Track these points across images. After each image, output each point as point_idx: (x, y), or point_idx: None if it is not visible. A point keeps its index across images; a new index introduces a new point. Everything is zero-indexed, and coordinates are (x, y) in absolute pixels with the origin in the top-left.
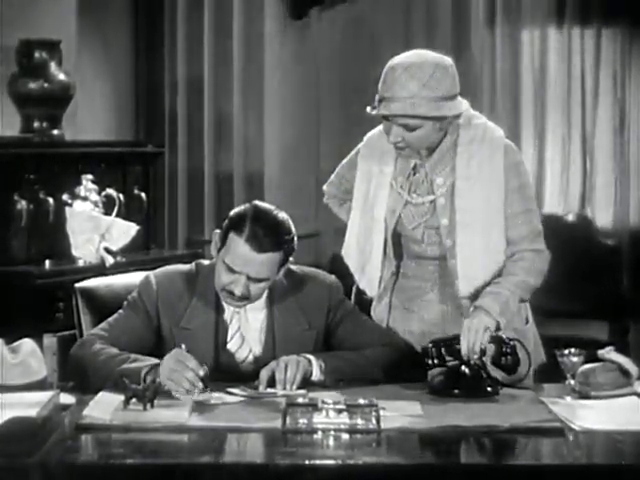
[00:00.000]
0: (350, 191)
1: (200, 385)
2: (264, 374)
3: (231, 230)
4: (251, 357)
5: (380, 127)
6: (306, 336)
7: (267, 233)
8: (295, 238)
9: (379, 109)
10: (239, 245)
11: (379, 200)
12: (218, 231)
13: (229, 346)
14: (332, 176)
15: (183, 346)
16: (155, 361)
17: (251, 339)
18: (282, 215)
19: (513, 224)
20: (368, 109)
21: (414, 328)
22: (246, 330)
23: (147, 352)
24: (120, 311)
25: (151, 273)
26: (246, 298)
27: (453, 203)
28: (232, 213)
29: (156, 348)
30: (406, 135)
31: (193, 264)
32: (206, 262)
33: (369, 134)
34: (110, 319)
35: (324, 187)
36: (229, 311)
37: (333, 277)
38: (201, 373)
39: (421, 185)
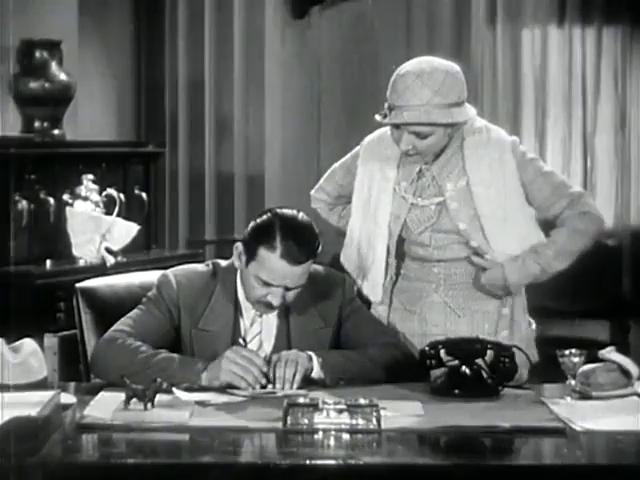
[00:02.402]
0: (343, 196)
1: (263, 381)
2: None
3: (261, 245)
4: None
5: (379, 131)
6: (321, 335)
7: (300, 245)
8: (320, 238)
9: (391, 118)
10: (274, 261)
11: (382, 206)
12: (239, 245)
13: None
14: (321, 181)
15: (242, 341)
16: (203, 362)
17: (267, 341)
18: (307, 220)
19: (551, 205)
20: (377, 117)
21: (415, 329)
22: (264, 332)
23: (169, 349)
24: (141, 307)
25: (169, 272)
26: (282, 305)
27: (472, 208)
28: (256, 226)
29: (176, 346)
30: (417, 143)
31: (210, 264)
32: (223, 263)
33: (368, 139)
34: (132, 315)
35: (312, 193)
36: (249, 314)
37: (345, 275)
38: (265, 370)
39: (427, 189)
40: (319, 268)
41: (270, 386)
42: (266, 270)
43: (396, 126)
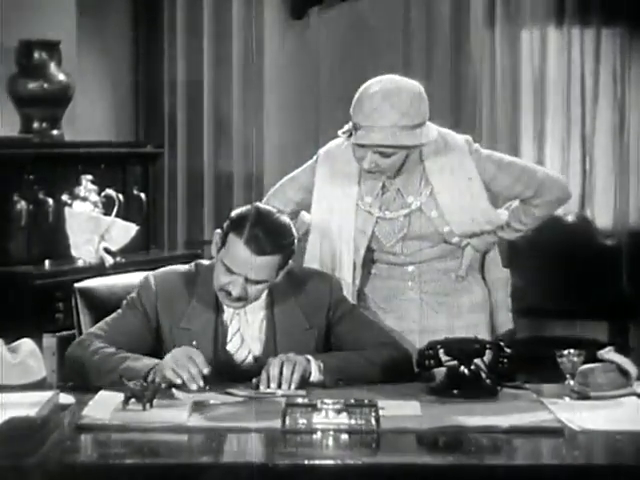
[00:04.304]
0: (297, 211)
1: (201, 383)
2: (264, 374)
3: (231, 231)
4: (250, 358)
5: (333, 145)
6: (307, 336)
7: (267, 236)
8: (295, 241)
9: (357, 138)
10: (238, 247)
11: (346, 222)
12: (219, 231)
13: (228, 347)
14: (269, 197)
15: (194, 343)
16: (156, 361)
17: (251, 340)
18: (283, 218)
19: (517, 195)
20: (342, 135)
21: (391, 327)
22: (246, 331)
23: (144, 353)
24: (119, 311)
25: (150, 274)
26: (243, 299)
27: (440, 215)
28: (233, 214)
29: (154, 349)
30: (380, 161)
31: (193, 264)
32: (206, 262)
33: (322, 154)
34: (108, 319)
35: (265, 198)
36: (229, 312)
37: (333, 276)
38: (205, 371)
39: (393, 202)
40: (305, 268)
41: (273, 386)
42: (230, 255)
43: (361, 145)
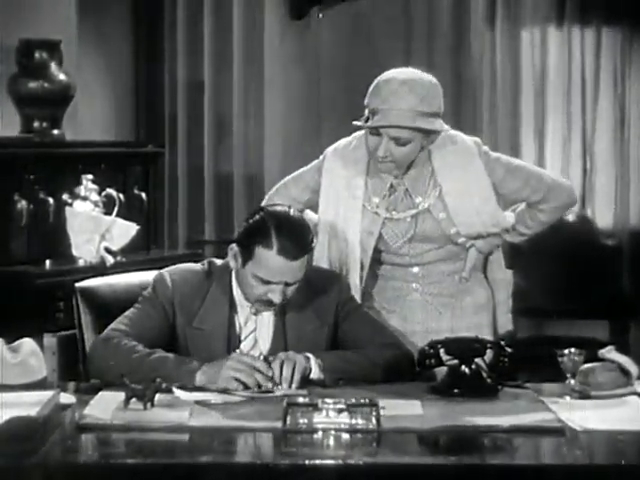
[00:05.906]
0: (301, 210)
1: (269, 385)
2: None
3: (257, 245)
4: (262, 357)
5: (340, 145)
6: (318, 334)
7: (295, 240)
8: (312, 231)
9: (374, 121)
10: (272, 258)
11: (352, 223)
12: (234, 246)
13: (242, 346)
14: (272, 195)
15: (238, 351)
16: (188, 359)
17: (263, 339)
18: (298, 215)
19: (524, 198)
20: (357, 123)
21: (396, 328)
22: (260, 331)
23: (165, 347)
24: (137, 306)
25: (165, 271)
26: (283, 302)
27: (449, 217)
28: (250, 226)
29: (170, 346)
30: (395, 150)
31: (206, 263)
32: (219, 261)
33: (329, 154)
34: (128, 314)
35: (267, 196)
36: (244, 312)
37: (342, 274)
38: (270, 374)
39: (401, 203)
40: (316, 267)
41: (270, 386)
42: (265, 268)
43: (376, 132)
